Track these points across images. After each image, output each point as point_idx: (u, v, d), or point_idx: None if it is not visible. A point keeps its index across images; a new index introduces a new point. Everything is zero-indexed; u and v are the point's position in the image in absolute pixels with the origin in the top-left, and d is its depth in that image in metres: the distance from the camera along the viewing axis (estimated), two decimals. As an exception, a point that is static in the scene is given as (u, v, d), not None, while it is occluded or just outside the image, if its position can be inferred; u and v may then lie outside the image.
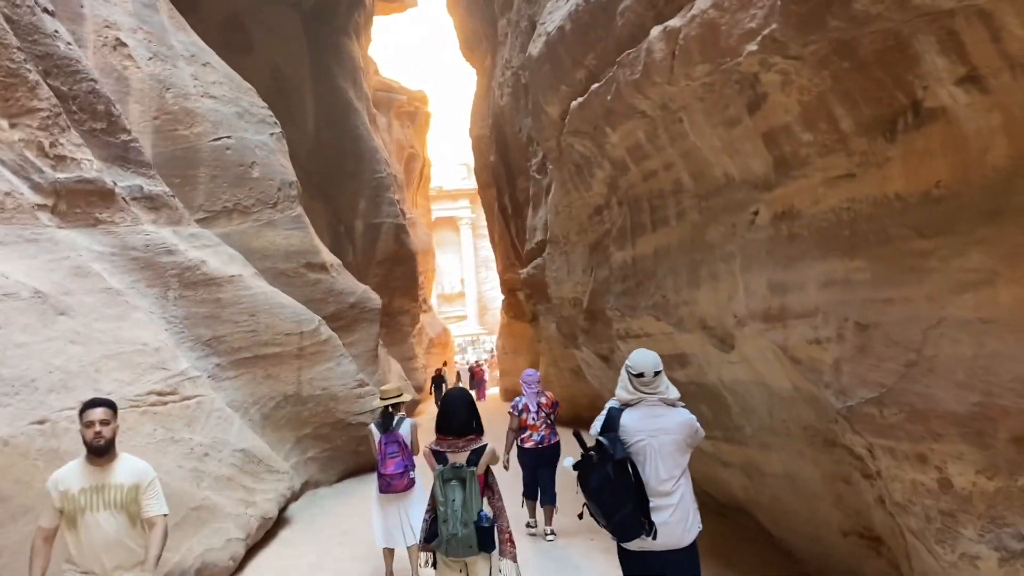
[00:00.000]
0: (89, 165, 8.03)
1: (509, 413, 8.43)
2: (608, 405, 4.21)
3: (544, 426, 8.10)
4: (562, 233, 8.90)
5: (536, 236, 17.94)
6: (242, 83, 13.72)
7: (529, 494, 8.19)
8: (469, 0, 25.53)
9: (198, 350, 9.70)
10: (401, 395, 7.67)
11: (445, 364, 36.29)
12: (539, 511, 8.21)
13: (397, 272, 24.44)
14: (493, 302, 61.79)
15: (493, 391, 34.27)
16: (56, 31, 8.10)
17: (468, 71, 57.96)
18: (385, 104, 31.77)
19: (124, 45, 10.81)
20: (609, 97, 5.46)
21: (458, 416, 4.48)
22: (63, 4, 9.84)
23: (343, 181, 22.14)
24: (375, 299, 16.62)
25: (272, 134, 13.73)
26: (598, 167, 6.84)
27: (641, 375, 3.99)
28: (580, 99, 6.21)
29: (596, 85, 5.77)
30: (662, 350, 4.79)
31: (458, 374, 42.26)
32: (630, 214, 6.35)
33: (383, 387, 7.82)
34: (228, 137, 12.50)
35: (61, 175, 7.64)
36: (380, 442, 7.15)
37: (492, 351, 44.06)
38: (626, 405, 4.06)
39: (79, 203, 7.93)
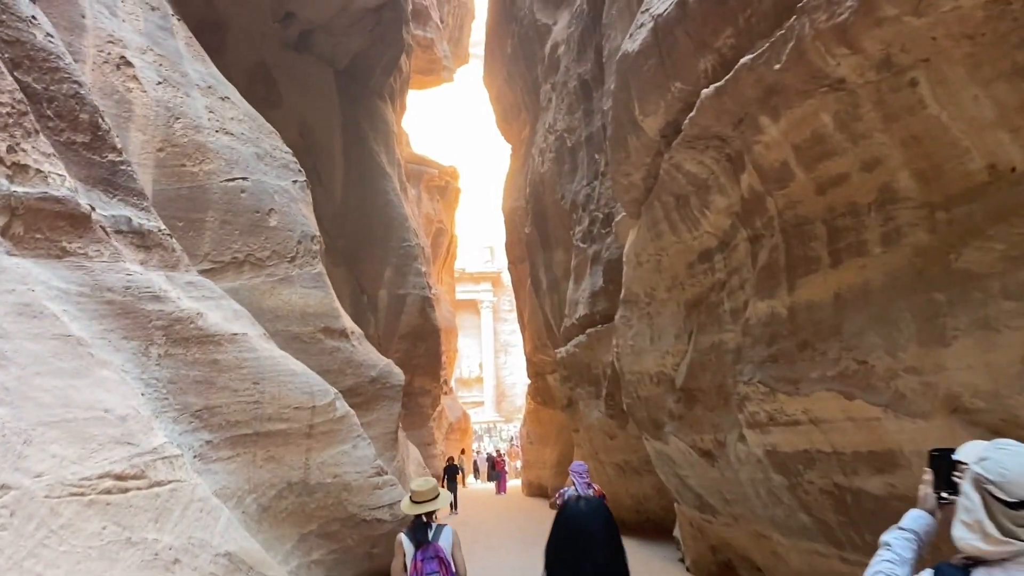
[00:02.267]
0: (59, 181, 6.37)
1: (554, 502, 8.09)
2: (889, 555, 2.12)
3: None
4: (645, 291, 7.08)
5: (578, 311, 16.15)
6: (265, 124, 12.29)
7: None
8: (508, 71, 24.58)
9: (183, 423, 7.81)
10: (438, 496, 5.73)
11: (463, 452, 33.95)
12: None
13: (420, 348, 22.62)
14: (512, 389, 60.01)
15: (514, 483, 31.74)
16: (34, 17, 6.60)
17: (496, 152, 57.63)
18: (415, 177, 30.66)
19: (129, 65, 9.37)
20: (778, 66, 3.71)
21: (598, 551, 2.39)
22: (60, 11, 8.46)
23: (369, 248, 20.60)
24: (398, 374, 14.71)
25: (295, 181, 12.19)
26: (719, 192, 5.07)
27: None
28: (713, 86, 4.47)
29: (749, 56, 4.04)
30: (845, 443, 2.99)
31: (475, 464, 39.78)
32: (784, 247, 4.52)
33: (416, 485, 5.81)
34: (244, 179, 10.94)
35: (19, 188, 5.97)
36: (415, 559, 5.16)
37: (513, 440, 41.62)
38: (977, 562, 1.95)
39: (40, 226, 6.23)
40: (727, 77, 4.27)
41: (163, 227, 8.53)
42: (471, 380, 57.56)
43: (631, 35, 5.76)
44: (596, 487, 8.62)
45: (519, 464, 35.17)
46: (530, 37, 21.06)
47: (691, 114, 4.79)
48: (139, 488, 5.92)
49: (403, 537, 5.48)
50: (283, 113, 17.76)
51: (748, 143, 4.38)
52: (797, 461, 4.65)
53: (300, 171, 12.57)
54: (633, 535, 14.85)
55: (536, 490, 26.90)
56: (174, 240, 8.78)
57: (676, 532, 11.64)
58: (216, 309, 8.98)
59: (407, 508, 5.72)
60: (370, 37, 20.38)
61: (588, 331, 15.52)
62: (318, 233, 12.28)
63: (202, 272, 9.71)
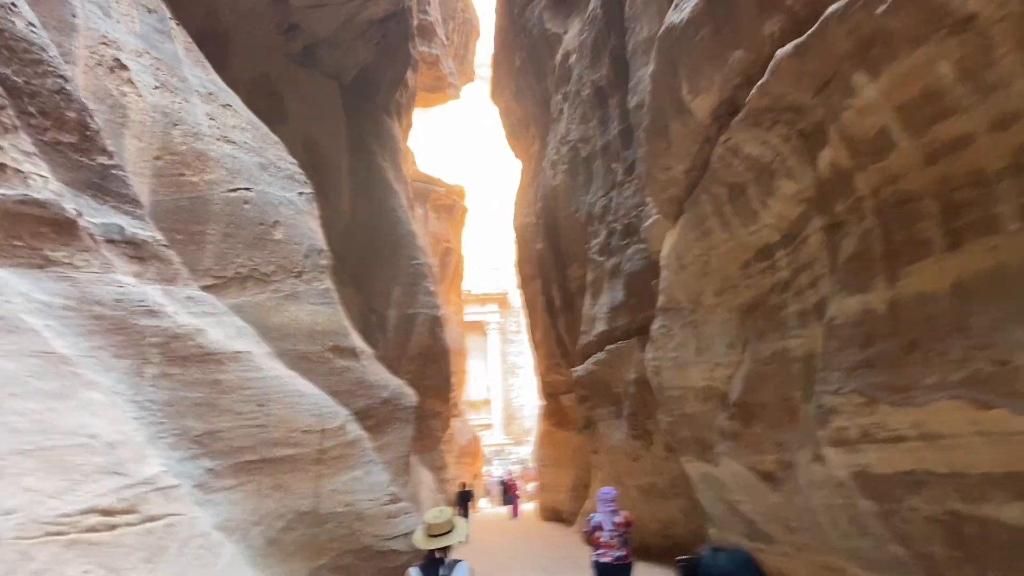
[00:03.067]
0: (42, 184, 5.76)
1: (584, 531, 8.52)
2: None
3: (620, 545, 7.99)
4: (688, 297, 6.41)
5: (596, 327, 15.46)
6: (269, 134, 11.71)
7: None
8: (516, 85, 24.10)
9: (182, 449, 7.14)
10: (453, 529, 5.22)
11: (476, 477, 33.10)
12: None
13: (430, 369, 21.89)
14: (520, 411, 59.20)
15: (526, 506, 30.83)
16: (14, 4, 6.00)
17: (501, 173, 57.22)
18: (422, 195, 30.14)
19: (124, 68, 8.80)
20: (882, 8, 3.07)
21: None
22: (48, 9, 7.89)
23: (378, 266, 19.98)
24: (410, 395, 14.03)
25: (302, 193, 11.59)
26: (786, 176, 4.43)
27: None
28: (792, 43, 3.83)
29: (840, 3, 3.38)
30: (971, 462, 2.44)
31: (486, 489, 38.83)
32: (881, 232, 3.85)
33: (430, 516, 5.25)
34: (247, 189, 10.34)
35: (-4, 188, 5.35)
36: None
37: (526, 463, 40.71)
38: None
39: (20, 232, 5.61)
40: (810, 31, 3.63)
41: (160, 237, 7.92)
42: (479, 403, 56.63)
43: (676, 5, 5.14)
44: (625, 513, 8.30)
45: (531, 487, 34.30)
46: (539, 48, 20.57)
47: (761, 82, 4.15)
48: (129, 524, 5.25)
49: (413, 571, 4.99)
50: (289, 129, 17.19)
51: (834, 110, 3.74)
52: (896, 484, 3.96)
53: (306, 183, 11.99)
54: (660, 561, 14.04)
55: (552, 514, 26.02)
56: (172, 252, 8.16)
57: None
58: (218, 326, 8.34)
59: (421, 542, 5.17)
60: (376, 51, 19.91)
61: (608, 348, 14.82)
62: (326, 247, 11.67)
63: (204, 288, 9.08)
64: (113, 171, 7.23)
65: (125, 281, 6.82)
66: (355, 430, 9.71)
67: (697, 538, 13.80)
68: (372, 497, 9.69)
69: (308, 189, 11.89)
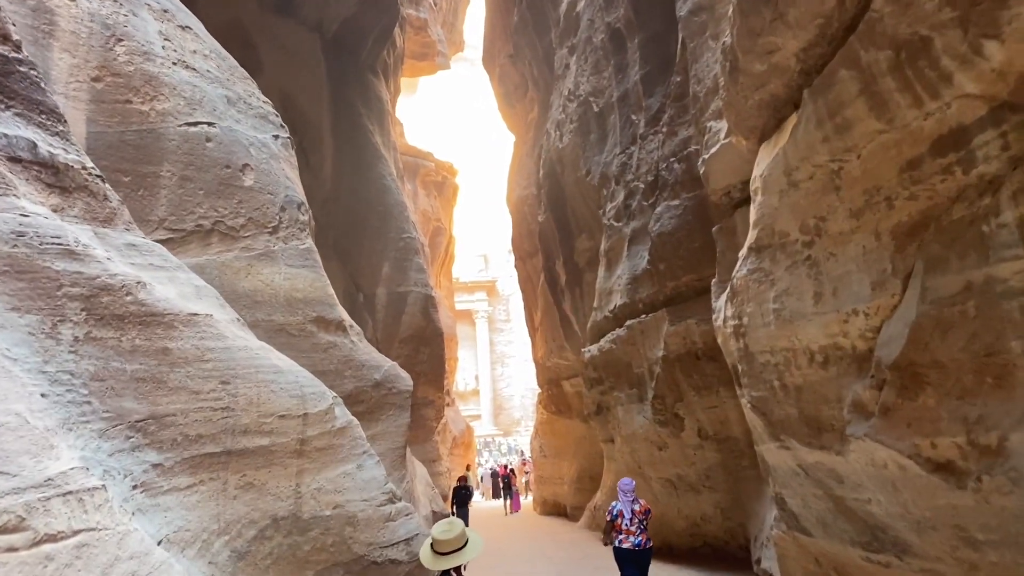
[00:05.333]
0: None
1: (605, 519, 8.83)
2: None
3: (638, 531, 8.49)
4: (804, 224, 4.71)
5: (613, 302, 13.75)
6: (238, 68, 9.88)
7: None
8: (513, 45, 22.30)
9: (116, 438, 5.34)
10: (465, 544, 4.47)
11: (468, 468, 31.35)
12: None
13: (423, 354, 20.13)
14: (509, 401, 58.01)
15: (525, 500, 29.16)
16: None
17: (488, 155, 55.35)
18: (411, 170, 28.26)
19: (50, -42, 6.94)
20: None
21: None
22: None
23: (365, 239, 18.15)
24: (406, 379, 12.28)
25: (277, 137, 9.76)
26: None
27: None
28: None
29: None
30: None
31: (479, 479, 37.09)
32: None
33: (438, 532, 4.51)
34: (210, 124, 8.52)
35: None
36: None
37: (523, 454, 39.02)
38: None
39: None
40: None
41: (91, 165, 6.08)
42: (467, 393, 55.04)
43: None
44: (643, 502, 8.84)
45: (525, 480, 32.63)
46: (541, 0, 18.78)
47: None
48: (13, 549, 3.46)
49: None
50: (263, 82, 15.20)
51: None
52: None
53: (283, 127, 10.16)
54: (688, 564, 12.39)
55: (552, 508, 24.37)
56: (108, 187, 6.33)
57: (769, 567, 9.21)
58: (169, 282, 6.54)
59: (428, 562, 4.40)
60: (360, 1, 18.01)
61: (628, 323, 13.12)
62: (305, 201, 9.86)
63: (158, 243, 7.25)
64: (20, 67, 5.40)
65: (32, 210, 5.00)
66: (345, 415, 7.95)
67: (732, 538, 12.18)
68: (366, 497, 7.95)
69: (285, 133, 10.06)
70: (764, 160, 5.23)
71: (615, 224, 13.83)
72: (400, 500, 8.71)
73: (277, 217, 9.09)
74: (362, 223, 18.11)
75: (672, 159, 11.32)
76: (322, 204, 16.92)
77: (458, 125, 56.22)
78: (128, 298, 5.61)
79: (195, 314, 6.33)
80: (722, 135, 6.70)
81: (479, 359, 57.51)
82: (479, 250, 58.78)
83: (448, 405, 28.17)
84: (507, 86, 24.62)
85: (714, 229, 7.67)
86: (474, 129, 57.06)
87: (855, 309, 4.39)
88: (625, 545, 8.43)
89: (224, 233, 8.59)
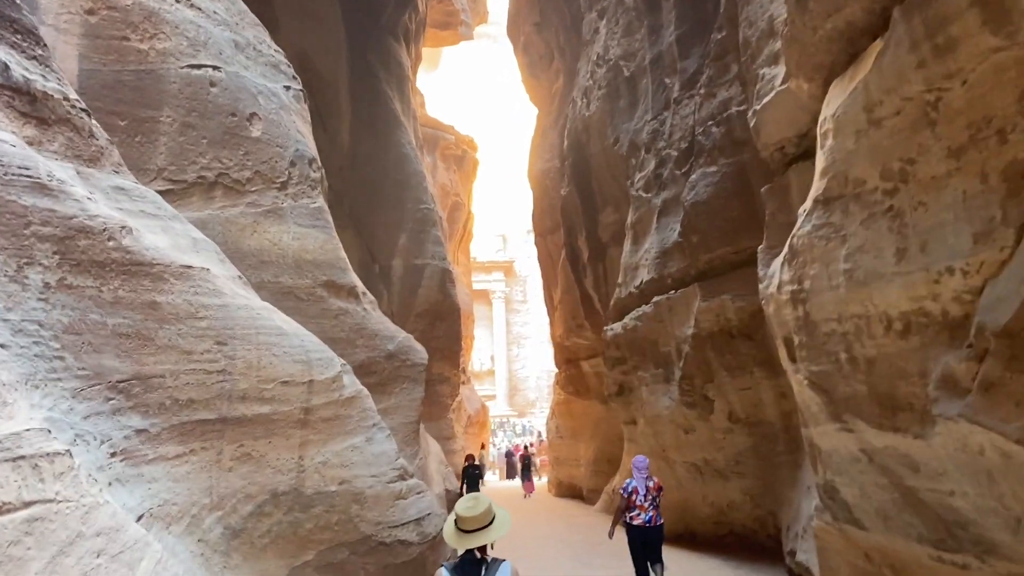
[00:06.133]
0: None
1: (620, 494, 8.95)
2: None
3: (651, 507, 8.66)
4: (886, 169, 4.00)
5: (639, 277, 13.06)
6: (248, 12, 9.25)
7: (639, 570, 8.69)
8: (540, 12, 21.50)
9: (94, 399, 4.77)
10: (492, 522, 3.85)
11: (483, 447, 30.87)
12: None
13: (439, 329, 19.52)
14: (524, 382, 57.63)
15: (540, 481, 28.59)
16: None
17: (507, 133, 54.43)
18: (431, 142, 27.54)
19: None
20: None
21: None
22: None
23: (381, 208, 17.52)
24: (421, 351, 11.70)
25: (288, 88, 9.13)
26: None
27: None
28: None
29: None
30: None
31: (492, 459, 36.65)
32: None
33: (462, 508, 3.86)
34: (215, 68, 7.89)
35: None
36: None
37: (539, 434, 38.49)
38: None
39: None
40: None
41: (75, 97, 5.47)
42: (482, 373, 54.63)
43: None
44: (656, 480, 9.04)
45: (538, 461, 32.04)
46: (570, -37, 17.98)
47: None
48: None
49: (444, 574, 3.72)
50: (279, 41, 14.60)
51: None
52: None
53: (295, 78, 9.53)
54: (713, 552, 11.76)
55: (567, 490, 23.82)
56: (94, 123, 5.72)
57: (805, 560, 8.56)
58: (162, 232, 5.94)
59: (452, 540, 3.81)
60: (382, -40, 17.29)
61: (655, 300, 12.43)
62: (317, 157, 9.23)
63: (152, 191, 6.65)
64: (-11, -23, 4.78)
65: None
66: (354, 384, 7.36)
67: (762, 527, 11.53)
68: (375, 472, 7.37)
69: (297, 85, 9.43)
70: (836, 98, 4.52)
71: (644, 195, 13.10)
72: (412, 477, 8.15)
73: (286, 172, 8.47)
74: (379, 192, 17.48)
75: (710, 122, 10.57)
76: (338, 171, 16.29)
77: (479, 103, 55.35)
78: (110, 243, 5.02)
79: (189, 266, 5.73)
80: (778, 81, 5.99)
81: (495, 340, 57.06)
82: (497, 230, 58.14)
83: (464, 383, 27.62)
84: (531, 56, 23.82)
85: (764, 189, 6.97)
86: (495, 108, 56.20)
87: (949, 266, 3.70)
88: (637, 522, 8.64)
89: (228, 187, 7.99)
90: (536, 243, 25.46)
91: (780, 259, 5.47)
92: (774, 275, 5.62)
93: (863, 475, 5.17)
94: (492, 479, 33.41)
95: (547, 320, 28.44)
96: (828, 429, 5.30)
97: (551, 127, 22.21)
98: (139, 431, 5.12)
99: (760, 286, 6.75)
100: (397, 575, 7.61)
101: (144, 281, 5.28)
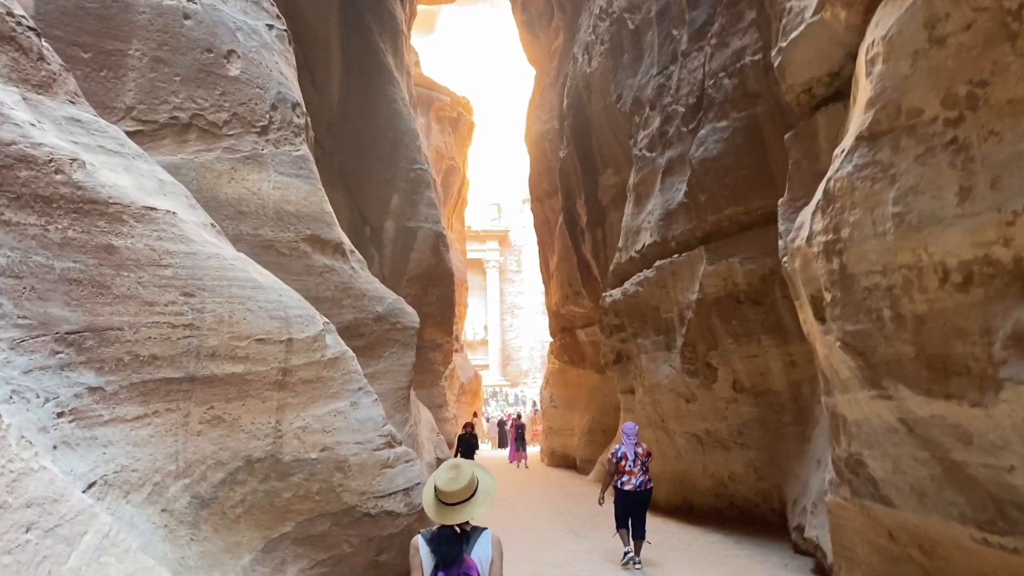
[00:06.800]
0: None
1: (609, 460, 9.17)
2: None
3: (641, 472, 8.97)
4: (947, 96, 3.47)
5: (641, 241, 12.51)
6: (227, -57, 8.49)
7: (621, 524, 9.01)
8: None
9: (38, 351, 4.21)
10: (473, 495, 3.42)
11: (475, 415, 30.46)
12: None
13: (432, 294, 18.95)
14: (517, 352, 57.41)
15: (532, 450, 28.22)
16: None
17: (503, 101, 53.38)
18: (425, 103, 26.78)
19: None
20: None
21: None
22: None
23: (373, 168, 16.84)
24: (412, 314, 11.15)
25: (271, 27, 8.46)
26: None
27: None
28: None
29: None
30: None
31: (485, 429, 36.28)
32: None
33: (441, 480, 3.41)
34: (190, 0, 7.21)
35: None
36: None
37: (535, 404, 38.12)
38: None
39: None
40: None
41: (20, 13, 4.83)
42: (476, 343, 54.27)
43: None
44: (644, 445, 9.27)
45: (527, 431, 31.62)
46: (572, -88, 17.15)
47: None
48: None
49: (421, 543, 3.40)
50: (266, -14, 13.86)
51: None
52: None
53: (279, 17, 8.85)
54: (712, 526, 11.34)
55: (560, 460, 23.47)
56: (46, 45, 5.09)
57: (815, 536, 8.11)
58: (124, 171, 5.33)
59: (432, 512, 3.41)
60: (376, -95, 16.43)
61: (658, 264, 11.89)
62: (301, 102, 8.59)
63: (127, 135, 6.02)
64: None
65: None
66: (337, 344, 6.82)
67: (765, 500, 11.11)
68: (360, 439, 6.87)
69: (281, 25, 8.76)
70: (888, 18, 3.93)
71: (647, 154, 12.50)
72: (400, 445, 7.65)
73: (267, 116, 7.84)
74: (370, 150, 16.80)
75: (721, 74, 9.94)
76: (327, 127, 15.62)
77: (476, 70, 54.22)
78: (58, 177, 4.42)
79: (152, 208, 5.14)
80: (809, 13, 5.38)
81: (489, 309, 56.69)
82: (493, 199, 57.46)
83: (457, 351, 27.15)
84: (530, 13, 23.00)
85: (788, 135, 6.39)
86: (492, 75, 55.12)
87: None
88: (628, 487, 8.88)
89: (204, 129, 7.36)
90: (532, 208, 24.85)
91: (810, 208, 4.91)
92: (802, 226, 5.06)
93: (898, 448, 4.66)
94: (484, 448, 33.07)
95: (542, 291, 27.93)
96: (860, 396, 4.78)
97: (550, 87, 21.49)
98: (92, 389, 4.57)
99: (780, 243, 6.20)
100: (383, 548, 7.15)
101: (99, 222, 4.70)
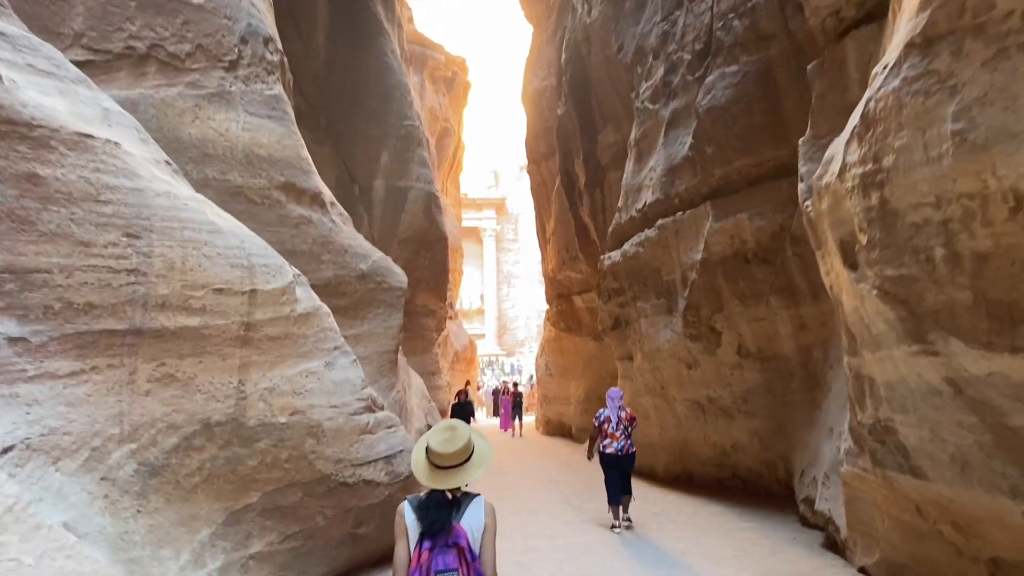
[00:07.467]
0: None
1: (593, 425, 9.29)
2: None
3: (623, 436, 8.99)
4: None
5: (643, 199, 11.88)
6: None
7: (613, 500, 8.99)
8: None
9: (-62, 293, 3.57)
10: (469, 459, 2.99)
11: (468, 384, 29.93)
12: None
13: (424, 258, 18.32)
14: (513, 322, 56.88)
15: (527, 419, 27.72)
16: None
17: (499, 65, 52.31)
18: (418, 61, 25.87)
19: None
20: None
21: None
22: None
23: (361, 123, 16.09)
24: (399, 274, 10.54)
25: (241, -45, 7.70)
26: None
27: None
28: None
29: None
30: None
31: (480, 398, 35.87)
32: None
33: (435, 441, 2.96)
34: (145, -86, 6.48)
35: None
36: (419, 546, 2.83)
37: (532, 378, 37.63)
38: None
39: None
40: None
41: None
42: (472, 312, 53.69)
43: None
44: (628, 410, 9.33)
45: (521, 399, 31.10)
46: None
47: None
48: None
49: (407, 509, 2.96)
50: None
51: None
52: None
53: (251, -55, 8.08)
54: (715, 497, 10.82)
55: (555, 428, 23.02)
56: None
57: (827, 509, 7.57)
58: (59, 95, 4.66)
59: (423, 476, 2.99)
60: None
61: (660, 223, 11.24)
62: (275, 37, 7.88)
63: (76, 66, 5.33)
64: None
65: None
66: (310, 299, 6.20)
67: (770, 470, 10.59)
68: (336, 403, 6.28)
69: (254, -47, 7.99)
70: None
71: (650, 107, 11.80)
72: (382, 409, 7.07)
73: (236, 50, 7.14)
74: (359, 104, 16.03)
75: (731, 15, 9.23)
76: (313, 79, 14.87)
77: (471, 32, 53.01)
78: (-36, 90, 3.76)
79: (88, 135, 4.48)
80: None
81: (485, 278, 56.02)
82: (489, 166, 56.49)
83: (451, 318, 26.57)
84: (529, -34, 22.08)
85: (811, 65, 5.73)
86: (488, 39, 53.92)
87: None
88: (609, 450, 8.93)
89: (164, 62, 6.66)
90: (529, 171, 24.09)
91: (842, 138, 4.27)
92: (832, 160, 4.42)
93: (939, 412, 4.07)
94: (479, 416, 32.65)
95: (539, 260, 27.26)
96: (896, 354, 4.17)
97: (547, 42, 20.65)
98: (13, 340, 3.96)
99: (801, 186, 5.57)
100: (362, 519, 6.60)
101: (20, 146, 4.05)
